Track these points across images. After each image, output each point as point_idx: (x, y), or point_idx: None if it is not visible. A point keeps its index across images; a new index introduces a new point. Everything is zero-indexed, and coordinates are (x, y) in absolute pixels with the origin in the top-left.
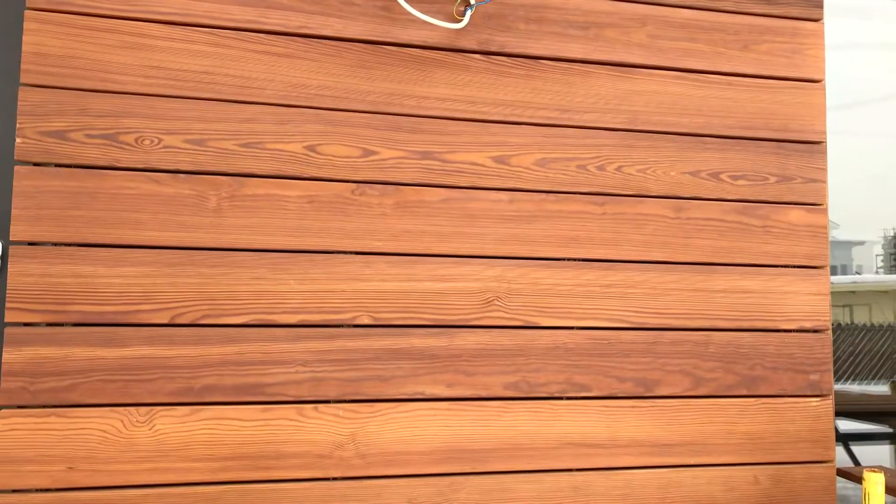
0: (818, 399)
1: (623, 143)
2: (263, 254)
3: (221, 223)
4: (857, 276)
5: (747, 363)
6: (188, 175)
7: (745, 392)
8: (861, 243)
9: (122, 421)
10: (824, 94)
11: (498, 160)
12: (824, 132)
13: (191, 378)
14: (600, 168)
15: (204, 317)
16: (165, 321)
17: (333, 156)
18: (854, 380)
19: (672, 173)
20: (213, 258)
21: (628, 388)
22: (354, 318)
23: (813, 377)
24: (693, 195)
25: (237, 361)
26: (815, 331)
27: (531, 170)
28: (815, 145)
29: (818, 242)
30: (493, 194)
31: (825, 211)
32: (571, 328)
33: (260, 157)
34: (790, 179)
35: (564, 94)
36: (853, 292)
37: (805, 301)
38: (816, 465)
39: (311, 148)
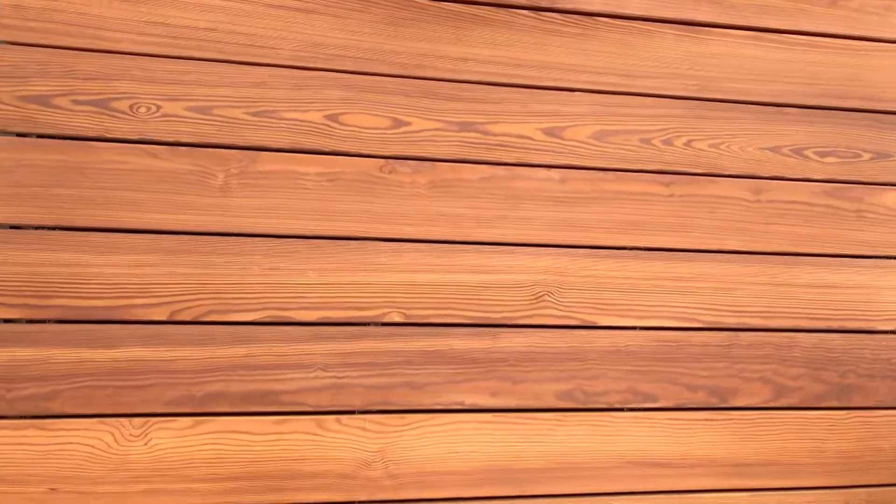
0: None
1: (692, 113)
2: (278, 240)
3: (229, 204)
4: None
5: (838, 370)
6: (191, 148)
7: (835, 404)
8: None
9: (112, 434)
10: None
11: (548, 132)
12: None
13: (193, 384)
14: (667, 142)
15: (208, 313)
16: (163, 318)
17: (358, 127)
18: None
19: (749, 149)
20: (220, 244)
21: (700, 398)
22: (383, 315)
23: None
24: (773, 174)
25: (247, 365)
26: None
27: (587, 144)
28: None
29: None
30: (543, 172)
31: None
32: (634, 328)
33: (273, 128)
34: (887, 156)
35: (625, 57)
36: None
37: None
38: None
39: (332, 117)
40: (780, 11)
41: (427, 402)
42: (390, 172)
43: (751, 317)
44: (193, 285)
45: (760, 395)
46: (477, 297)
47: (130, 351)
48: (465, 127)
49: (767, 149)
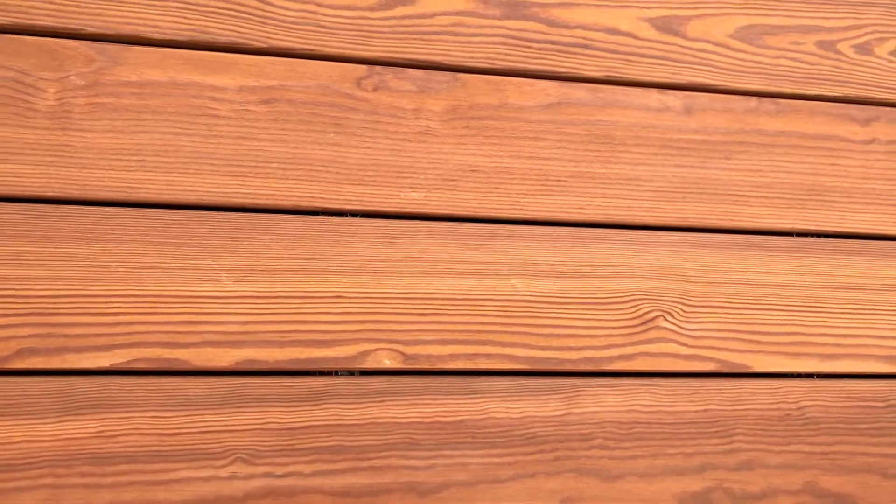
0: None
1: None
2: (161, 212)
3: (68, 143)
4: None
5: None
6: None
7: None
8: None
9: None
10: None
11: (662, 27)
12: None
13: None
14: (863, 49)
15: (21, 353)
16: None
17: (318, 4)
18: None
19: None
20: (49, 220)
21: None
22: (362, 354)
23: None
24: None
25: (100, 455)
26: None
27: (729, 48)
28: None
29: None
30: (654, 96)
31: None
32: (813, 376)
33: (158, 3)
34: None
35: None
36: None
37: None
38: None
39: None
40: None
41: None
42: (376, 90)
43: None
44: None
45: None
46: (536, 321)
47: None
48: (513, 10)
49: None
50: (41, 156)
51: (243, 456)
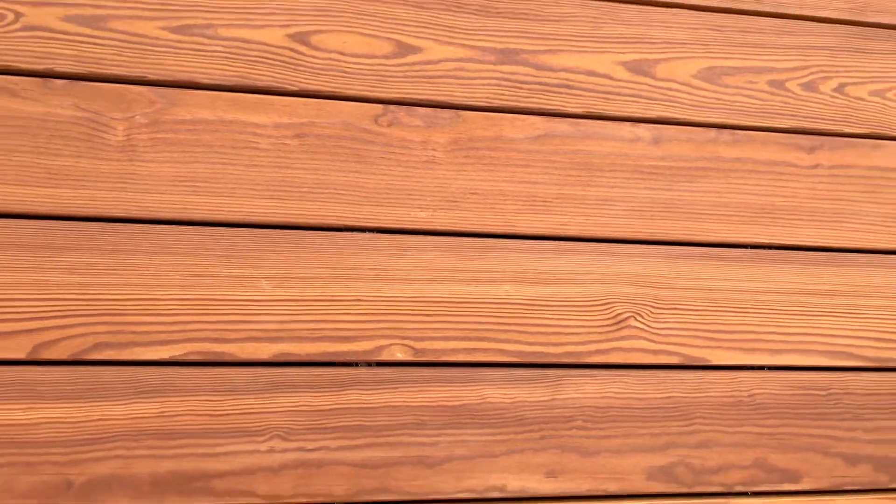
0: None
1: (846, 44)
2: (211, 229)
3: (134, 172)
4: None
5: None
6: (72, 82)
7: None
8: None
9: None
10: None
11: (634, 69)
12: None
13: (68, 464)
14: (809, 87)
15: (97, 346)
16: (21, 355)
17: (341, 53)
18: None
19: None
20: (118, 237)
21: (864, 474)
22: (378, 349)
23: None
24: None
25: (159, 431)
26: None
27: (692, 87)
28: None
29: None
30: (627, 129)
31: None
32: (763, 368)
33: (207, 54)
34: None
35: None
36: None
37: None
38: None
39: (299, 38)
40: None
41: (448, 489)
42: (390, 125)
43: None
44: (73, 302)
45: None
46: (526, 321)
47: None
48: (506, 57)
49: None
50: (112, 182)
51: (280, 433)
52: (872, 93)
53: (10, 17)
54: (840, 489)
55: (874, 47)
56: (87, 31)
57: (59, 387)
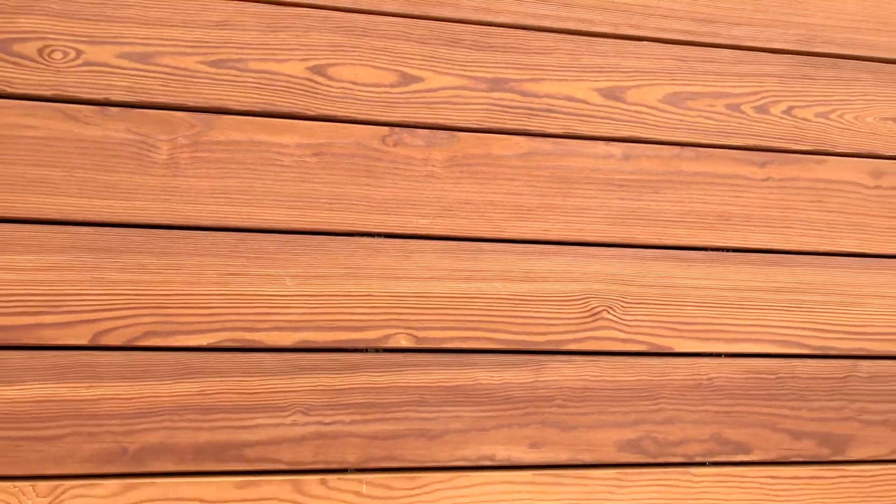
0: None
1: (794, 72)
2: (242, 235)
3: (177, 186)
4: None
5: None
6: (124, 109)
7: None
8: None
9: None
10: None
11: (608, 94)
12: None
13: (123, 434)
14: (761, 109)
15: (147, 335)
16: (84, 342)
17: (353, 83)
18: None
19: (868, 119)
20: (163, 241)
21: (807, 448)
22: (386, 337)
23: None
24: None
25: (199, 406)
26: None
27: (657, 110)
28: None
29: None
30: (601, 147)
31: None
32: (720, 355)
33: (238, 83)
34: None
35: None
36: None
37: None
38: None
39: (317, 70)
40: None
41: (445, 458)
42: (396, 145)
43: (874, 340)
44: (125, 296)
45: (887, 444)
46: (513, 313)
47: (34, 388)
48: (496, 85)
49: (892, 119)
50: (158, 195)
51: (301, 409)
52: (817, 114)
53: (73, 54)
54: (786, 461)
55: (819, 74)
56: (138, 65)
57: (115, 368)
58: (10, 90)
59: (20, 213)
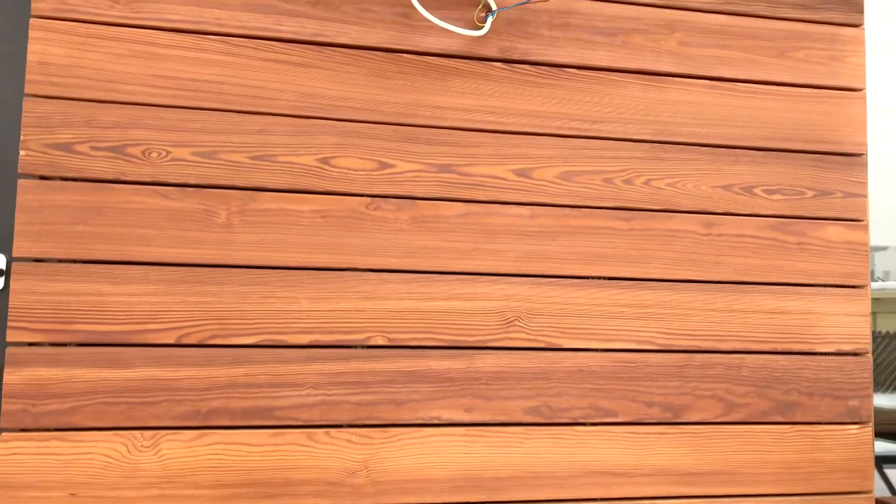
0: (857, 426)
1: (651, 155)
2: (274, 271)
3: (231, 239)
4: (881, 282)
5: (782, 388)
6: (197, 189)
7: (779, 419)
8: (884, 248)
9: (125, 446)
10: (865, 103)
11: (520, 173)
12: (865, 144)
13: (197, 401)
14: (627, 182)
15: (212, 337)
16: (172, 341)
17: (348, 169)
18: (877, 391)
19: (703, 187)
20: (222, 275)
21: (656, 413)
22: (368, 338)
23: (852, 403)
24: (725, 210)
25: (245, 384)
26: (855, 354)
27: (554, 183)
28: (855, 157)
29: (858, 260)
30: (515, 209)
31: (866, 227)
32: (595, 350)
33: (272, 171)
34: (829, 194)
35: (590, 104)
36: (877, 299)
37: (844, 322)
38: (854, 497)
39: (324, 161)
40: (733, 61)
41: (407, 418)
42: (376, 209)
43: (703, 340)
44: (198, 312)
45: (711, 411)
46: (453, 322)
47: (142, 371)
48: (443, 168)
49: (719, 187)
50: (218, 245)
51: (312, 385)
52: (667, 184)
53: (164, 153)
54: (642, 422)
55: (669, 156)
56: (206, 160)
57: (191, 359)
58: (124, 178)
59: (131, 257)
